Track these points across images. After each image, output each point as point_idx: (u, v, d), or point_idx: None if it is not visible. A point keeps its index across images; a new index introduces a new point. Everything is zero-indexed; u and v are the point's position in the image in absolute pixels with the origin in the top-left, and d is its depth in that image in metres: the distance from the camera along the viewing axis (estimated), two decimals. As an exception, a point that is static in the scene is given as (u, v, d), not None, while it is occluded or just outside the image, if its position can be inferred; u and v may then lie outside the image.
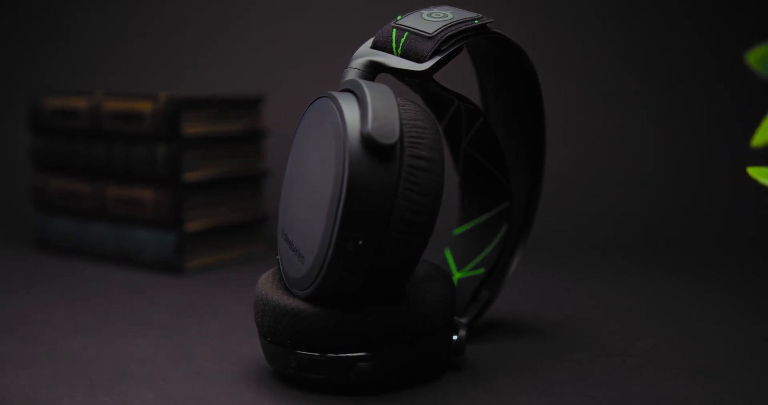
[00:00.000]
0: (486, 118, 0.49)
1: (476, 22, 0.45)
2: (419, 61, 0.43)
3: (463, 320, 0.48)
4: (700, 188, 0.90)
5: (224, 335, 0.52)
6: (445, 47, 0.43)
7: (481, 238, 0.53)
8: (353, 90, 0.41)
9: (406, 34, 0.44)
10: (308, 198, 0.41)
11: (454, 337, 0.47)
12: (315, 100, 0.43)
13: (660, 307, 0.59)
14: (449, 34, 0.44)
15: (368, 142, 0.38)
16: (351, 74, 0.44)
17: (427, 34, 0.43)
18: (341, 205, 0.38)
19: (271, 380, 0.44)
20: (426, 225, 0.40)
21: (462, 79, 0.99)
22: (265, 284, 0.44)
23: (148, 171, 0.68)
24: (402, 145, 0.40)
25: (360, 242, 0.39)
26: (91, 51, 1.13)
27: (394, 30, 0.45)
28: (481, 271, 0.52)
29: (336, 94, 0.41)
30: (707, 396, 0.42)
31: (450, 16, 0.45)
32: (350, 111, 0.40)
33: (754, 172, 0.39)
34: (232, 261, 0.72)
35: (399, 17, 0.46)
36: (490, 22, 0.45)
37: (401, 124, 0.40)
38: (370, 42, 0.45)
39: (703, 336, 0.52)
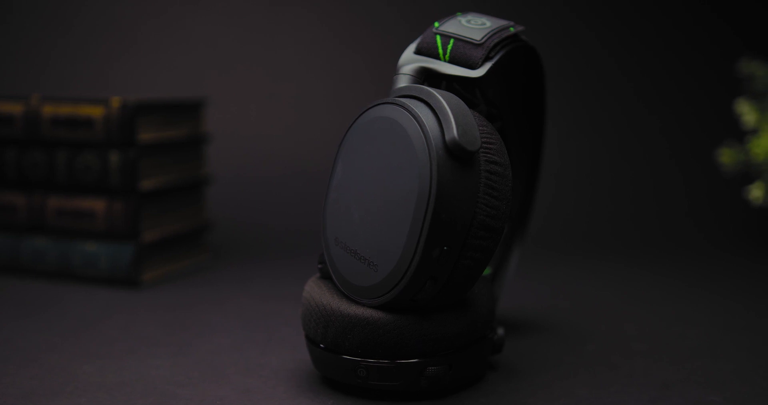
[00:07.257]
0: (503, 122, 0.50)
1: (511, 29, 0.46)
2: (471, 67, 0.44)
3: None
4: (681, 188, 0.95)
5: (237, 349, 0.50)
6: (493, 54, 0.44)
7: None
8: (421, 97, 0.41)
9: (452, 41, 0.44)
10: (377, 206, 0.41)
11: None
12: (372, 106, 0.42)
13: (625, 295, 0.63)
14: (496, 41, 0.44)
15: (455, 149, 0.38)
16: (403, 81, 0.44)
17: (476, 41, 0.44)
18: (429, 214, 0.38)
19: (329, 391, 0.43)
20: (501, 230, 0.40)
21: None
22: (322, 294, 0.43)
23: (98, 180, 0.64)
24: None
25: (445, 248, 0.39)
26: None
27: (438, 36, 0.45)
28: (488, 271, 0.53)
29: (403, 100, 0.41)
30: (729, 371, 0.46)
31: (488, 23, 0.46)
32: (427, 118, 0.40)
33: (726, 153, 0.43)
34: (182, 272, 0.69)
35: (437, 24, 0.46)
36: (521, 30, 0.46)
37: None
38: (412, 48, 0.45)
39: (683, 318, 0.56)
